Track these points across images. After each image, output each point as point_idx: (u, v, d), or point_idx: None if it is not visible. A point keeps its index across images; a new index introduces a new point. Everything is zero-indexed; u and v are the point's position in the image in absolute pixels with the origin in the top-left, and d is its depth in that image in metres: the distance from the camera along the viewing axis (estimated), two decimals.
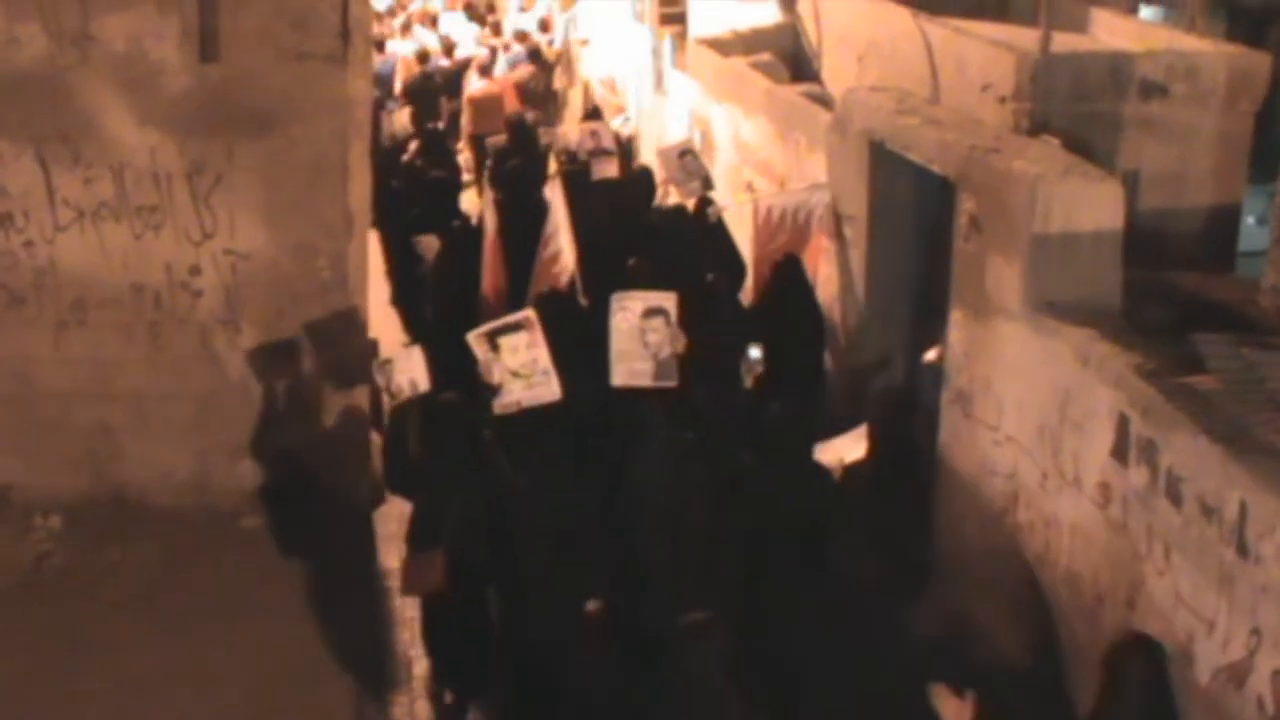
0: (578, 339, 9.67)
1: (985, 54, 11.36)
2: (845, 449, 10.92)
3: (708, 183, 13.05)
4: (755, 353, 11.74)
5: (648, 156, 16.55)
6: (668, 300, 9.24)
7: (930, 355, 10.30)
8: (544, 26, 23.29)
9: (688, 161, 13.17)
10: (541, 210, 11.90)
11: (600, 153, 14.03)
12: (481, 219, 12.67)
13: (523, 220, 12.07)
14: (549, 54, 21.75)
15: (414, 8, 24.57)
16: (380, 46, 20.56)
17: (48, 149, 9.66)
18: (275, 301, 9.98)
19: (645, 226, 12.91)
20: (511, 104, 19.64)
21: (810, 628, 8.37)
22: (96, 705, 8.40)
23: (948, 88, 11.78)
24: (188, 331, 10.00)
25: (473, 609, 8.55)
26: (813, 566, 8.61)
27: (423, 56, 21.97)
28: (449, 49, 22.39)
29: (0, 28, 9.44)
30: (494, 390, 8.97)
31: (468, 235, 12.50)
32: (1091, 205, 8.67)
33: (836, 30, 14.52)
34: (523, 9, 24.89)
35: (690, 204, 12.99)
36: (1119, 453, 7.57)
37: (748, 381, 11.62)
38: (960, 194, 9.40)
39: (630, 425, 9.04)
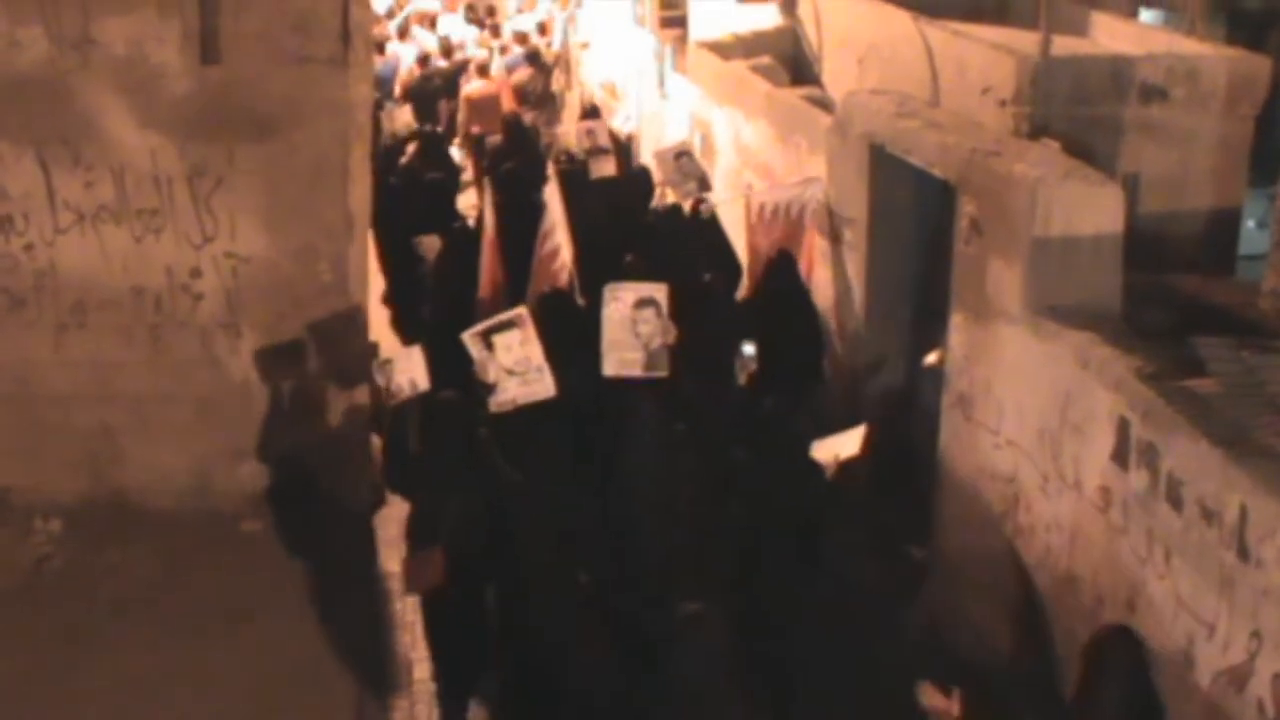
0: (574, 336, 9.74)
1: (986, 57, 11.36)
2: (841, 446, 10.97)
3: (704, 184, 13.10)
4: (749, 350, 11.79)
5: (649, 158, 16.57)
6: (659, 291, 9.30)
7: (931, 358, 10.30)
8: (542, 30, 23.36)
9: (684, 163, 13.24)
10: (538, 210, 11.97)
11: (597, 151, 14.09)
12: (479, 219, 12.73)
13: (520, 221, 12.13)
14: (547, 56, 21.81)
15: (410, 9, 24.54)
16: (380, 49, 20.60)
17: (48, 151, 9.66)
18: (276, 304, 9.98)
19: (642, 226, 12.93)
20: (508, 105, 19.76)
21: (806, 625, 8.41)
22: (97, 707, 8.40)
23: (948, 91, 11.78)
24: (188, 334, 10.00)
25: (472, 606, 8.58)
26: (807, 562, 8.64)
27: (423, 60, 22.05)
28: (447, 50, 22.43)
29: (2, 30, 9.44)
30: (489, 388, 9.04)
31: (469, 236, 12.55)
32: (1092, 209, 8.67)
33: (837, 33, 14.52)
34: (520, 10, 24.93)
35: (687, 205, 13.03)
36: (1119, 456, 7.57)
37: (741, 379, 11.69)
38: (960, 197, 9.40)
39: (621, 416, 9.14)
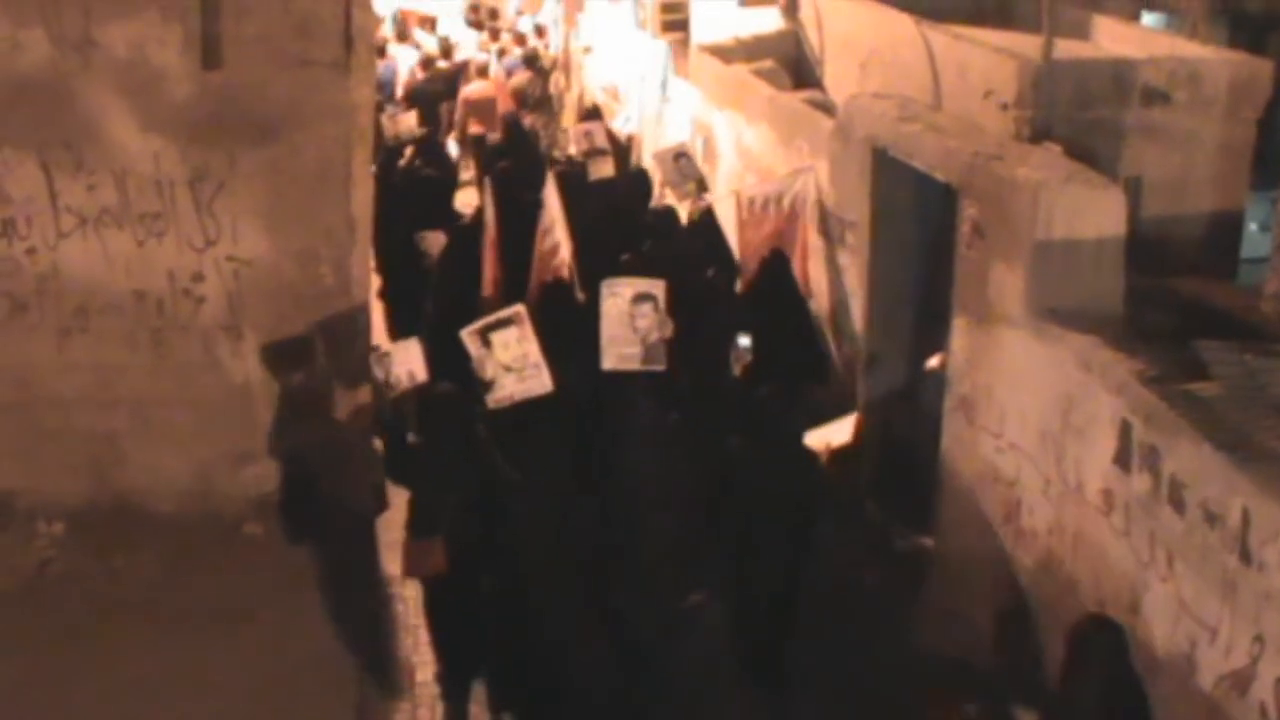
0: (571, 329, 9.97)
1: (988, 61, 11.37)
2: (832, 435, 11.03)
3: (702, 185, 13.28)
4: (744, 342, 11.89)
5: (649, 161, 16.63)
6: (656, 287, 9.46)
7: (933, 362, 10.31)
8: (540, 32, 23.47)
9: (683, 164, 13.41)
10: (535, 209, 12.12)
11: (595, 153, 14.19)
12: (474, 216, 12.93)
13: (517, 219, 12.31)
14: (545, 59, 21.90)
15: (398, 4, 24.61)
16: (381, 51, 20.66)
17: (50, 155, 9.65)
18: (278, 308, 9.98)
19: (639, 225, 13.01)
20: (505, 106, 19.92)
21: (803, 617, 8.47)
22: (98, 710, 8.39)
23: (950, 94, 11.80)
24: (190, 338, 9.99)
25: (470, 596, 8.70)
26: (800, 550, 8.73)
27: (427, 62, 22.15)
28: (447, 51, 22.51)
29: (3, 33, 9.43)
30: (487, 385, 9.21)
31: (472, 232, 12.66)
32: (1094, 212, 8.67)
33: (839, 37, 14.54)
34: (519, 12, 24.98)
35: (686, 204, 13.16)
36: (1121, 459, 7.57)
37: (736, 370, 11.80)
38: (963, 201, 9.40)
39: (618, 410, 9.28)
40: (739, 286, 12.27)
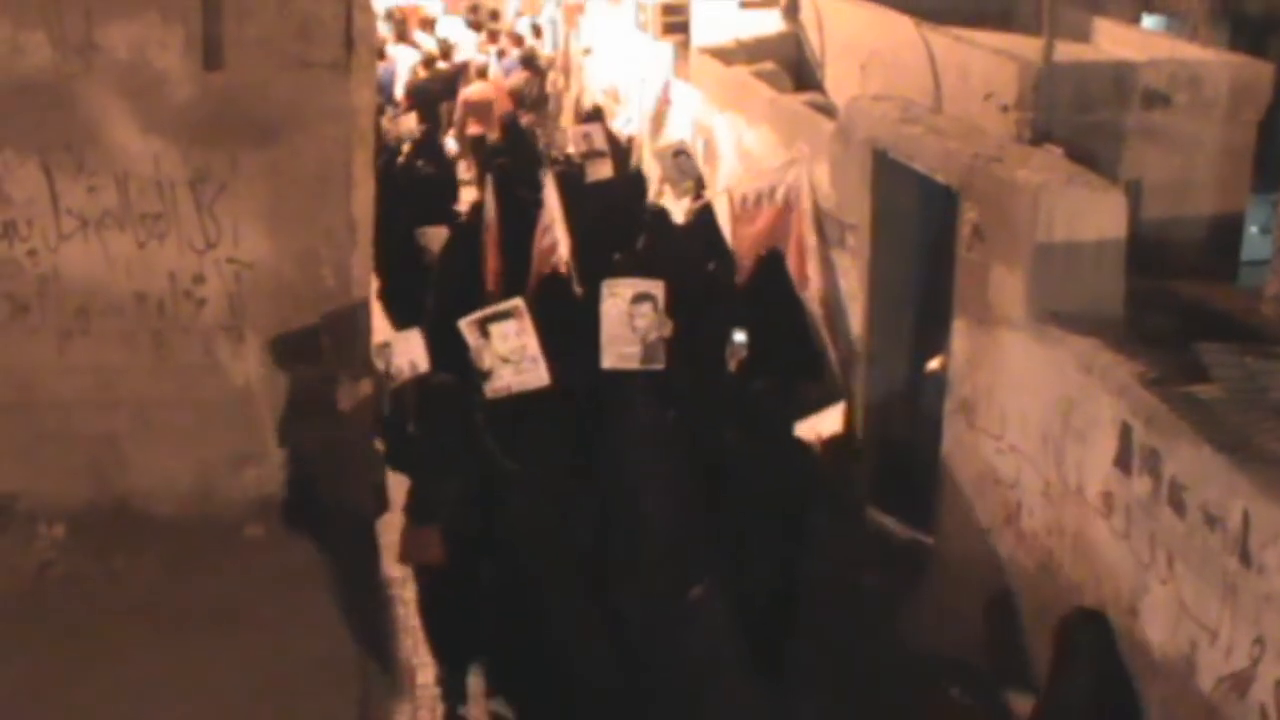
0: (568, 321, 10.16)
1: (988, 63, 11.37)
2: (821, 425, 11.09)
3: (700, 182, 13.36)
4: (740, 337, 11.96)
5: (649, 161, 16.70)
6: (655, 287, 9.62)
7: (933, 364, 10.31)
8: (537, 32, 23.55)
9: (681, 161, 13.52)
10: (532, 207, 12.43)
11: (593, 154, 14.28)
12: (471, 214, 13.19)
13: (515, 216, 12.56)
14: (543, 59, 21.99)
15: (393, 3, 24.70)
16: (381, 53, 20.74)
17: (51, 157, 9.64)
18: (279, 310, 9.98)
19: (637, 224, 13.10)
20: (503, 106, 20.07)
21: (802, 612, 8.51)
22: (99, 712, 8.39)
23: (950, 97, 11.80)
24: (191, 340, 9.99)
25: (467, 586, 8.84)
26: (797, 544, 8.82)
27: (429, 61, 22.25)
28: (446, 52, 22.61)
29: (4, 35, 9.43)
30: (485, 375, 9.42)
31: (472, 228, 12.78)
32: (1094, 214, 8.68)
33: (839, 39, 14.54)
34: (519, 14, 25.03)
35: (685, 202, 13.26)
36: (1122, 462, 7.58)
37: (731, 365, 11.88)
38: (963, 203, 9.41)
39: (616, 406, 9.43)
40: (737, 283, 12.35)
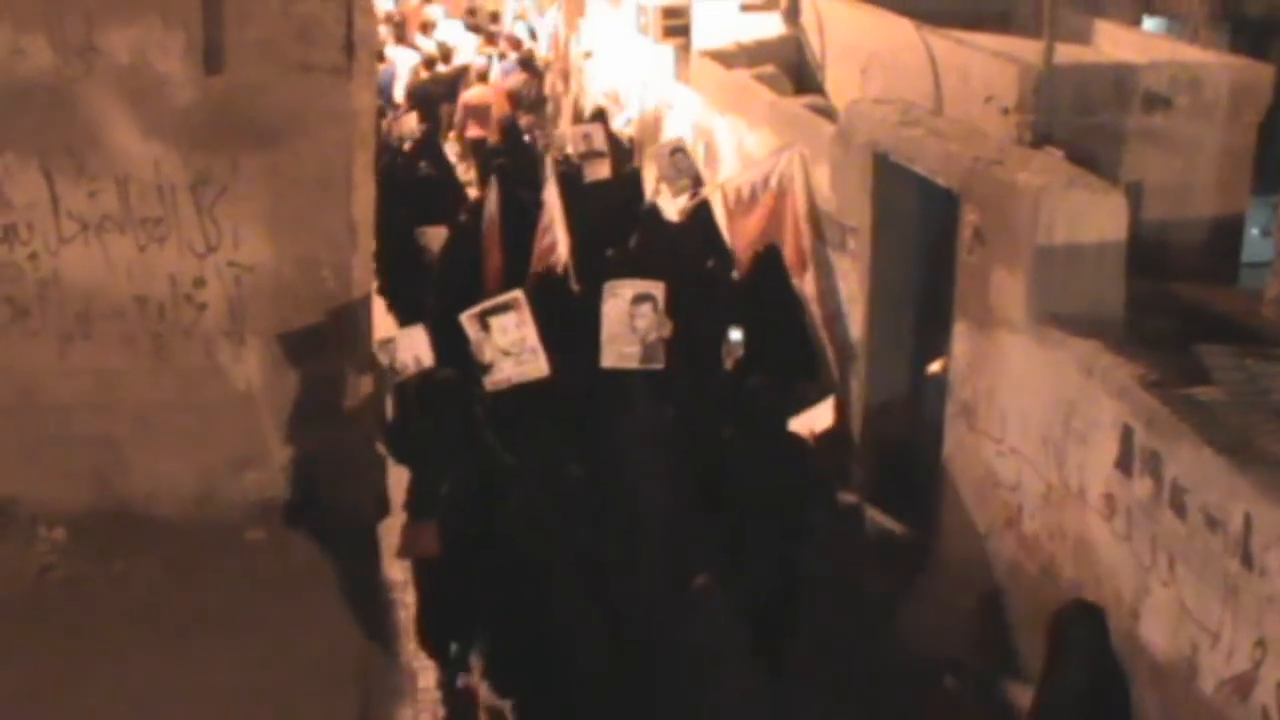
0: (564, 321, 10.20)
1: (988, 65, 11.36)
2: (814, 420, 11.11)
3: (698, 180, 13.41)
4: (736, 335, 12.01)
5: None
6: (656, 288, 9.64)
7: (934, 367, 10.31)
8: (533, 35, 23.63)
9: (678, 159, 13.59)
10: (530, 207, 12.55)
11: (592, 155, 14.36)
12: (475, 211, 13.27)
13: (517, 216, 12.64)
14: (540, 62, 22.08)
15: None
16: (379, 55, 20.81)
17: (52, 161, 9.65)
18: (279, 313, 9.99)
19: (627, 222, 13.19)
20: (502, 109, 20.22)
21: (802, 608, 8.54)
22: (100, 716, 8.40)
23: (951, 99, 11.79)
24: (192, 343, 10.00)
25: (464, 579, 8.86)
26: (795, 541, 8.86)
27: (429, 63, 22.37)
28: (446, 55, 22.69)
29: (5, 39, 9.44)
30: (485, 368, 9.47)
31: (472, 228, 12.97)
32: (1095, 217, 8.67)
33: (839, 42, 14.53)
34: (518, 17, 25.08)
35: (682, 201, 13.33)
36: (1123, 464, 7.57)
37: (728, 364, 11.99)
38: (964, 206, 9.40)
39: (615, 402, 9.49)
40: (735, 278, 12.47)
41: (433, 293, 12.49)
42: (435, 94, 21.58)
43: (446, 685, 9.35)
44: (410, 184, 15.12)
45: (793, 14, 15.83)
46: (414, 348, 9.73)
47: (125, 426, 10.03)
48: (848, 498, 11.16)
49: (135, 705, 8.45)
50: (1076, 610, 7.35)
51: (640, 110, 17.86)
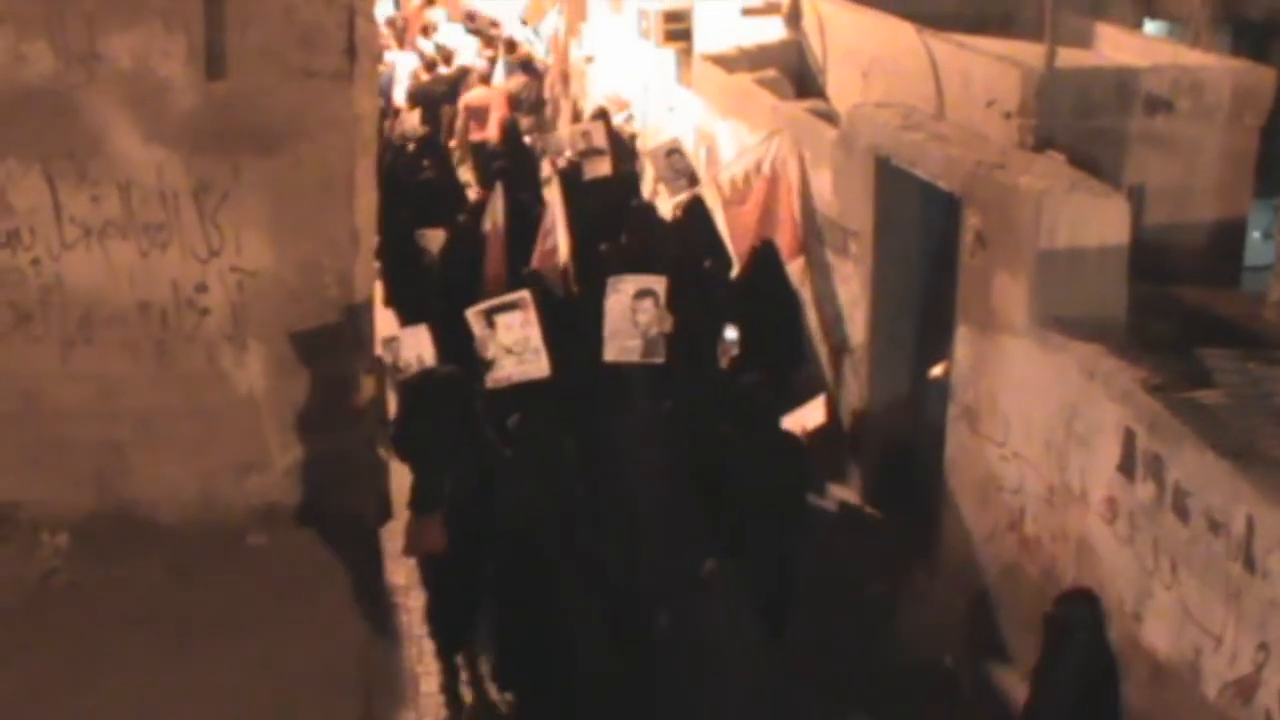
0: (561, 320, 10.32)
1: (990, 69, 11.37)
2: (806, 418, 11.14)
3: (694, 180, 13.50)
4: (731, 334, 12.08)
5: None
6: (658, 283, 9.81)
7: (936, 371, 10.32)
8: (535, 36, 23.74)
9: (675, 160, 13.73)
10: (529, 206, 12.80)
11: (592, 152, 14.47)
12: (475, 212, 13.33)
13: (519, 217, 12.70)
14: (540, 64, 22.13)
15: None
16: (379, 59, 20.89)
17: (54, 166, 9.65)
18: (282, 318, 9.98)
19: (621, 220, 13.25)
20: (502, 111, 20.24)
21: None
22: None
23: (953, 103, 11.79)
24: (194, 349, 9.99)
25: (468, 573, 9.01)
26: (791, 537, 9.07)
27: (430, 66, 22.43)
28: (446, 58, 22.75)
29: (7, 45, 9.44)
30: (488, 364, 9.64)
31: (471, 229, 13.03)
32: (1097, 220, 8.68)
33: (841, 46, 14.53)
34: (524, 22, 25.11)
35: (678, 199, 13.43)
36: (1125, 467, 7.58)
37: (723, 362, 12.08)
38: (966, 209, 9.41)
39: (614, 394, 9.63)
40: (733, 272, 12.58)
41: (433, 294, 12.53)
42: (436, 96, 21.65)
43: (449, 689, 9.37)
44: (412, 186, 15.16)
45: (794, 18, 15.83)
46: (417, 346, 9.90)
47: (127, 431, 10.02)
48: (842, 494, 11.23)
49: (137, 710, 8.44)
50: (1076, 596, 7.34)
51: (643, 120, 17.91)
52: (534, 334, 9.63)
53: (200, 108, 9.67)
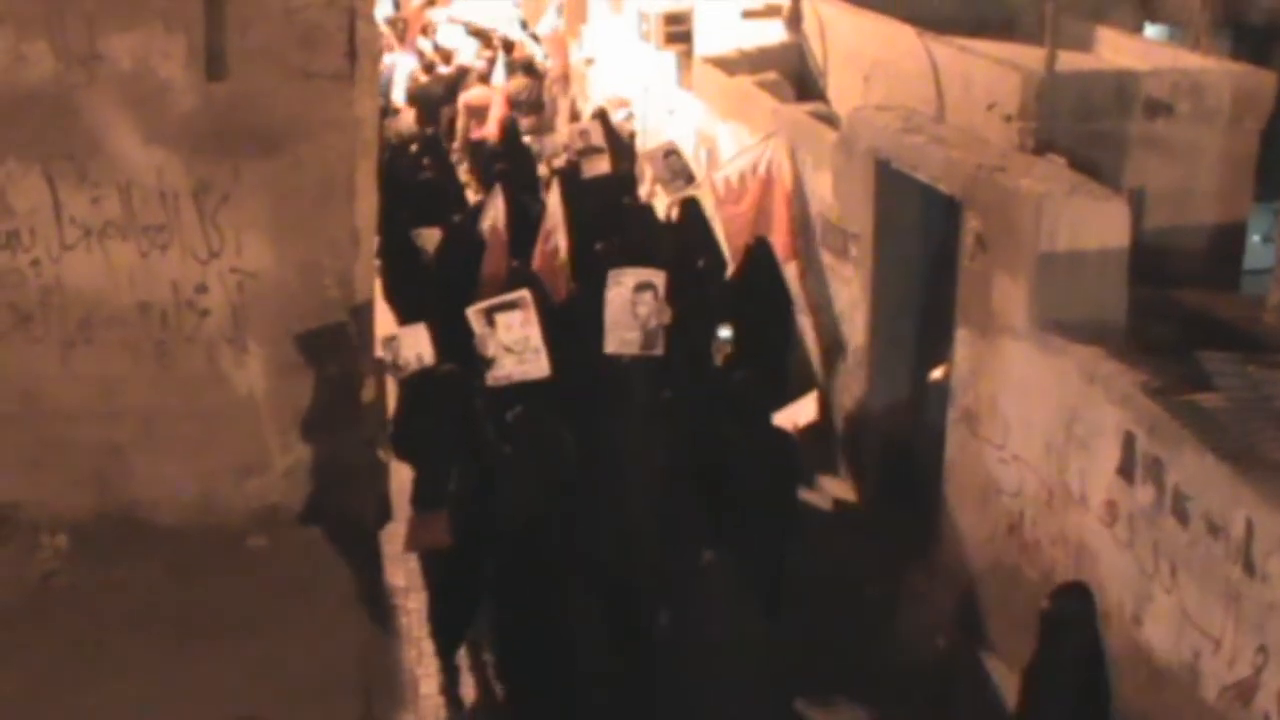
0: (559, 319, 10.45)
1: (991, 73, 11.38)
2: (797, 414, 11.18)
3: (692, 181, 13.55)
4: (724, 333, 12.15)
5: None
6: (657, 277, 9.94)
7: (936, 374, 10.32)
8: (534, 39, 23.75)
9: (672, 161, 13.80)
10: (529, 207, 12.89)
11: (590, 151, 14.54)
12: (472, 212, 13.56)
13: (520, 218, 12.85)
14: (539, 66, 22.18)
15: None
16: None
17: (55, 167, 9.65)
18: (282, 320, 9.98)
19: (617, 218, 13.30)
20: (501, 110, 20.38)
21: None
22: None
23: (953, 106, 11.80)
24: (194, 350, 9.99)
25: (469, 570, 9.01)
26: (787, 534, 9.15)
27: (429, 66, 22.50)
28: (447, 58, 22.80)
29: (8, 46, 9.44)
30: (487, 363, 9.70)
31: (467, 228, 13.14)
32: (1097, 224, 8.69)
33: (842, 49, 14.54)
34: (523, 24, 25.15)
35: (675, 199, 13.50)
36: (1125, 471, 7.58)
37: (717, 360, 12.10)
38: (966, 213, 9.42)
39: (613, 387, 9.70)
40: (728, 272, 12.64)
41: (431, 293, 12.55)
42: (436, 95, 21.71)
43: (449, 690, 9.38)
44: (412, 186, 15.18)
45: (795, 21, 15.85)
46: (416, 345, 9.87)
47: (127, 433, 10.02)
48: (833, 489, 11.25)
49: (137, 710, 8.44)
50: (1071, 591, 7.34)
51: (643, 122, 17.94)
52: (534, 334, 9.67)
53: (200, 109, 9.67)
